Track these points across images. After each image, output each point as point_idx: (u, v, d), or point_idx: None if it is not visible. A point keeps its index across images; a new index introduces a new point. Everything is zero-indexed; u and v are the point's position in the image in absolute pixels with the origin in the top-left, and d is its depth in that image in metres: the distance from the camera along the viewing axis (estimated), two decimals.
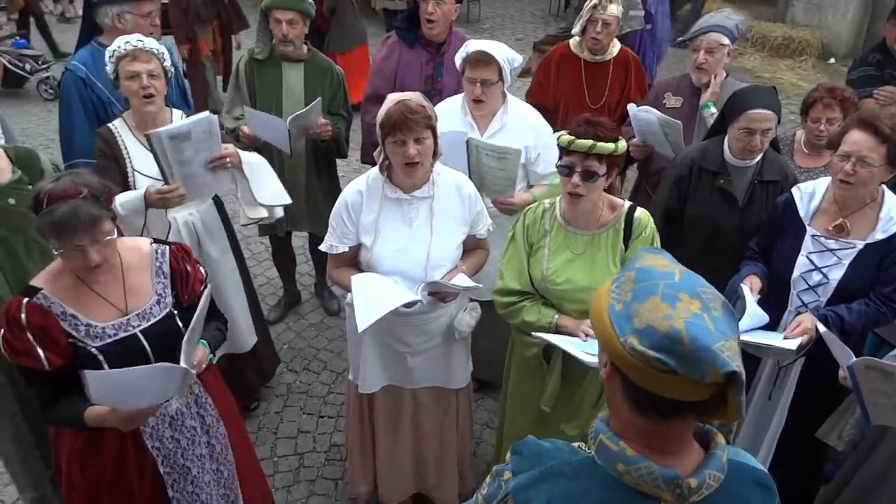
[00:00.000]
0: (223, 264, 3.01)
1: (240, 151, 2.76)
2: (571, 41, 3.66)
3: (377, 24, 9.00)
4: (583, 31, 3.54)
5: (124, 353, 1.91)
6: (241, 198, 2.85)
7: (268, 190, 2.84)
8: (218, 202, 3.06)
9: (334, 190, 3.71)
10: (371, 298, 2.14)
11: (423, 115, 2.12)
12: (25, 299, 1.84)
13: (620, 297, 1.04)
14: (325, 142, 3.38)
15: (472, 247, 2.48)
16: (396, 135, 2.11)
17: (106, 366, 1.87)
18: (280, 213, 2.97)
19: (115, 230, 1.89)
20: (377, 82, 3.45)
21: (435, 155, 2.25)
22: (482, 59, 2.71)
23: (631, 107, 3.17)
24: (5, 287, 2.29)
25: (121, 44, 2.57)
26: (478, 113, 2.87)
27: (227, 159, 2.64)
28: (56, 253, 1.82)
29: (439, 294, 2.31)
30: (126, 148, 2.66)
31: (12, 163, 2.38)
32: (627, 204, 2.27)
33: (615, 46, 3.61)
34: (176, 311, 2.03)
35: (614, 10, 3.46)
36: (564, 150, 2.09)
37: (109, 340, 1.89)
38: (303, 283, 4.36)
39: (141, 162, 2.66)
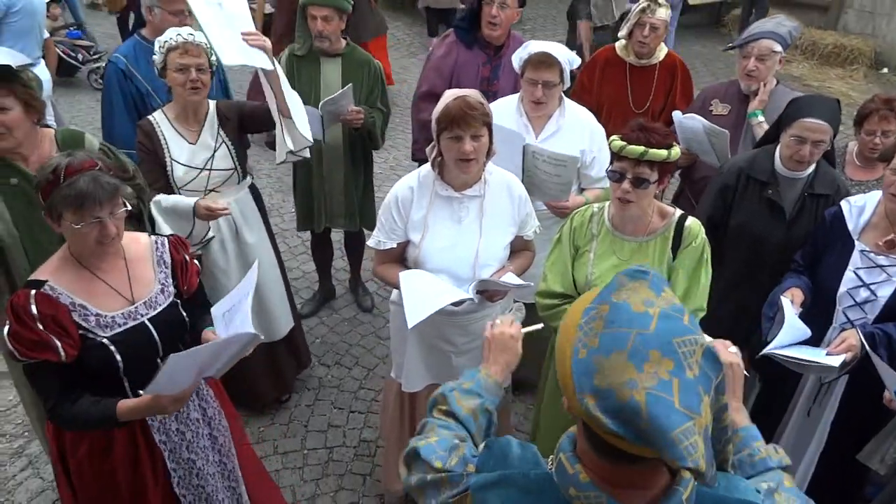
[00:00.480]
0: (259, 249, 3.07)
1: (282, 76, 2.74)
2: (617, 44, 3.61)
3: (406, 18, 8.98)
4: (629, 35, 3.50)
5: (133, 342, 1.88)
6: (279, 127, 2.83)
7: (303, 121, 2.86)
8: (255, 192, 3.12)
9: (369, 187, 3.77)
10: (420, 295, 2.14)
11: (482, 111, 2.12)
12: (32, 290, 1.77)
13: (587, 342, 0.94)
14: (357, 130, 3.40)
15: (519, 248, 2.47)
16: (454, 130, 2.11)
17: (117, 356, 1.84)
18: (307, 154, 2.96)
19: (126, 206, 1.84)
20: (433, 79, 3.45)
21: (489, 154, 2.24)
22: (545, 61, 2.69)
23: (676, 114, 3.12)
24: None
25: (172, 35, 2.63)
26: (535, 114, 2.84)
27: (261, 40, 2.61)
28: (75, 228, 1.74)
29: (488, 293, 2.30)
30: (164, 138, 2.75)
31: (59, 147, 2.42)
32: (678, 212, 2.23)
33: (662, 51, 3.56)
34: (178, 301, 2.02)
35: (663, 14, 3.42)
36: (615, 156, 2.06)
37: (119, 329, 1.86)
38: (337, 278, 4.40)
39: (178, 151, 2.77)
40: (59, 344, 1.74)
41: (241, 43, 2.57)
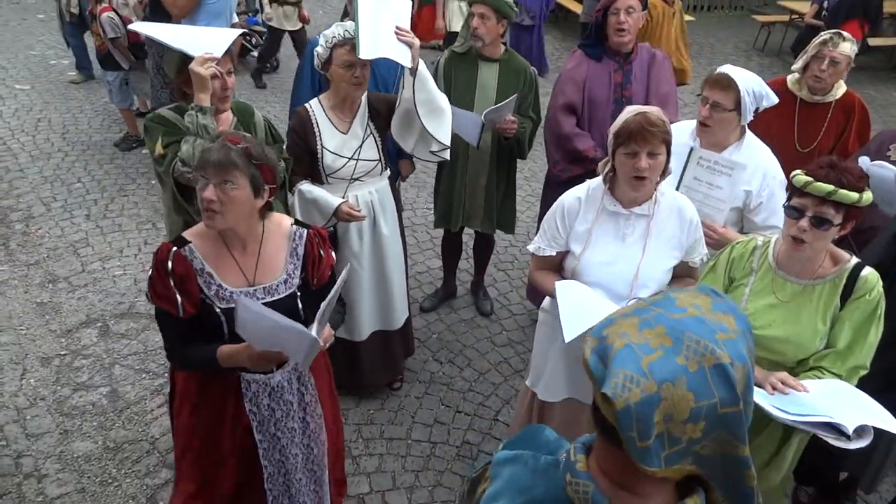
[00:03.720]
0: (391, 241, 3.17)
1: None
2: (789, 77, 3.40)
3: (556, 32, 8.95)
4: (804, 68, 3.28)
5: None
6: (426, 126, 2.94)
7: (444, 126, 2.97)
8: (393, 184, 3.20)
9: (511, 193, 3.78)
10: (578, 308, 2.11)
11: (662, 129, 2.07)
12: (174, 248, 1.94)
13: (626, 311, 1.02)
14: (507, 139, 3.44)
15: (682, 274, 2.38)
16: (630, 146, 2.07)
17: (225, 328, 1.96)
18: (447, 155, 3.04)
19: (250, 197, 1.92)
20: (569, 90, 3.44)
21: (664, 173, 2.18)
22: (720, 81, 2.58)
23: (863, 160, 2.87)
24: None
25: (339, 31, 2.71)
26: (705, 140, 2.72)
27: (412, 39, 2.72)
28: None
29: None
30: (318, 125, 2.87)
31: (233, 113, 2.67)
32: (854, 260, 2.06)
33: (840, 88, 3.30)
34: (300, 293, 2.08)
35: (847, 48, 3.17)
36: (797, 191, 1.93)
37: (233, 305, 1.94)
38: (460, 278, 4.45)
39: (329, 140, 2.88)
40: (179, 300, 1.91)
41: (391, 36, 2.66)
